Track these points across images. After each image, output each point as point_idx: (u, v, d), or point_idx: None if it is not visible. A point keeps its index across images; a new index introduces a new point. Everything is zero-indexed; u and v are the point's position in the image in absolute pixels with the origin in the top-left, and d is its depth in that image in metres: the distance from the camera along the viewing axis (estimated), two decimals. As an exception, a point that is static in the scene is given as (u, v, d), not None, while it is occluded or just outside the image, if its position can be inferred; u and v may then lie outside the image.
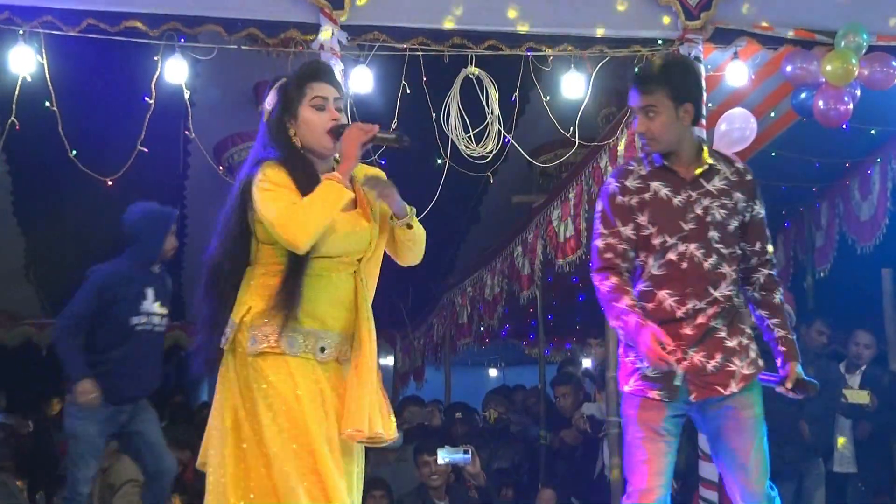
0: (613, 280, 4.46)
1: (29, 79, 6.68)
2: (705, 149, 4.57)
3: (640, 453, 4.41)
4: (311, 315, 3.74)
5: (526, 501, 9.04)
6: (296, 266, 3.71)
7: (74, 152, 6.90)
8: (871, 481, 8.60)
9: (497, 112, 7.19)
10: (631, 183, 4.53)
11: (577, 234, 9.14)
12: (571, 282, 11.02)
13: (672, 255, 4.43)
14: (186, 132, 7.61)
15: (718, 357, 4.39)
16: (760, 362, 4.49)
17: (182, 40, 6.88)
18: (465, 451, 7.99)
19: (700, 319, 4.40)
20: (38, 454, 10.09)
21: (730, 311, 4.46)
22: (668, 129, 4.46)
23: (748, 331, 4.52)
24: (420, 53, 7.04)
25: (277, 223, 3.62)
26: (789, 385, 4.43)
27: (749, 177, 4.57)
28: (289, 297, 3.69)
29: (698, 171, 4.50)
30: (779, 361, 4.50)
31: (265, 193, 3.69)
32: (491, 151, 7.22)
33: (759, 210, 4.57)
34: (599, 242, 4.55)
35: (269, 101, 3.92)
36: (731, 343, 4.42)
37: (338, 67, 6.97)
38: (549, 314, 11.75)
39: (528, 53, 7.20)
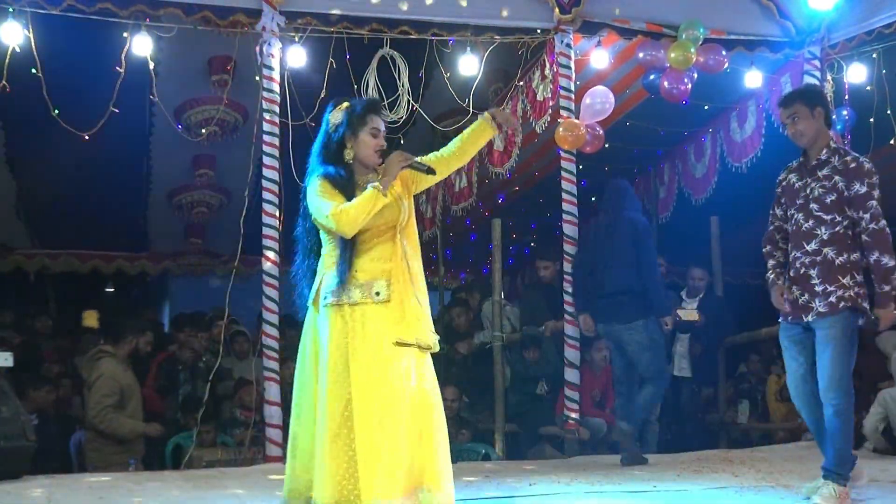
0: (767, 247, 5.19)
1: (18, 49, 6.55)
2: (828, 146, 4.98)
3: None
4: (363, 270, 4.09)
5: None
6: (347, 241, 4.10)
7: (56, 111, 6.77)
8: (701, 382, 8.84)
9: (407, 85, 7.19)
10: (781, 175, 5.17)
11: (469, 185, 9.19)
12: (465, 224, 11.09)
13: (791, 222, 5.04)
14: (151, 96, 7.50)
15: (807, 295, 4.89)
16: (841, 305, 4.81)
17: (147, 20, 6.77)
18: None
19: (798, 264, 4.94)
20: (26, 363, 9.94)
21: (825, 263, 4.87)
22: (808, 126, 4.96)
23: (844, 281, 4.83)
24: (345, 36, 6.99)
25: (328, 218, 4.04)
26: (863, 324, 4.93)
27: (852, 165, 4.90)
28: (344, 264, 4.08)
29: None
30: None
31: (318, 199, 4.10)
32: (402, 118, 7.23)
33: (860, 188, 4.86)
34: None
35: (335, 117, 4.23)
36: (820, 288, 4.86)
37: (276, 46, 6.90)
38: (448, 250, 11.80)
39: (433, 38, 7.19)
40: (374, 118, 4.23)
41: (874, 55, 7.49)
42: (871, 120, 7.63)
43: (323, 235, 4.21)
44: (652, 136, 9.38)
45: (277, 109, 6.89)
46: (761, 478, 5.48)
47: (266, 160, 6.87)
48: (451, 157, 4.39)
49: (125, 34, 6.73)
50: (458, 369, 9.36)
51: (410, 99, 7.19)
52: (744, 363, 9.66)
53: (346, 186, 4.13)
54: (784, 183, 5.09)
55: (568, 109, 7.40)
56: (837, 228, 4.86)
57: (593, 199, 10.93)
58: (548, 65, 7.50)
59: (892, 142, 7.65)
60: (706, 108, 8.66)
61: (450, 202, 9.49)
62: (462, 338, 9.36)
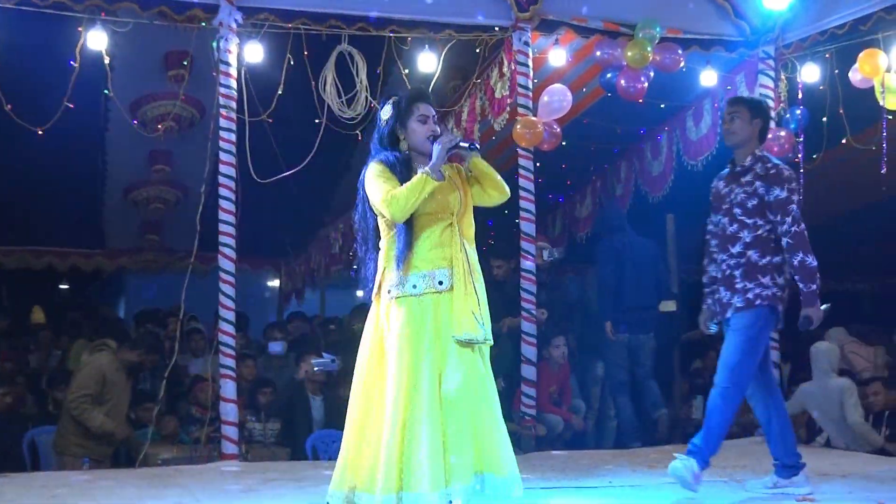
0: None
1: (-31, 44, 6.45)
2: (750, 156, 5.25)
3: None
4: (424, 260, 4.22)
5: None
6: (406, 226, 4.23)
7: (10, 106, 6.69)
8: (657, 379, 8.91)
9: (365, 82, 7.18)
10: (714, 183, 5.43)
11: (428, 183, 9.18)
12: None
13: (713, 226, 5.37)
14: (106, 91, 7.43)
15: (728, 294, 5.16)
16: (757, 302, 5.06)
17: (103, 14, 6.70)
18: (333, 360, 8.00)
19: (724, 266, 5.20)
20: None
21: (747, 264, 5.11)
22: (743, 129, 5.24)
23: (762, 280, 5.07)
24: (302, 32, 6.97)
25: (382, 202, 4.17)
26: (799, 326, 5.13)
27: (772, 171, 5.14)
28: (403, 253, 4.22)
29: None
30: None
31: (373, 184, 4.23)
32: (360, 114, 7.21)
33: (779, 193, 5.09)
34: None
35: (385, 112, 4.38)
36: (740, 285, 5.11)
37: (233, 42, 6.87)
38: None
39: (391, 35, 7.19)
40: (421, 105, 4.37)
41: (827, 55, 7.57)
42: (825, 119, 7.72)
43: (381, 224, 4.33)
44: (609, 134, 9.44)
45: (234, 105, 6.86)
46: (714, 472, 5.54)
47: (223, 156, 6.83)
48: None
49: (80, 28, 6.65)
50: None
51: (368, 95, 7.18)
52: (700, 359, 9.75)
53: (402, 171, 4.28)
54: (714, 190, 5.35)
55: (525, 107, 7.43)
56: (760, 232, 5.11)
57: (550, 196, 11.01)
58: (506, 62, 7.53)
59: (843, 141, 7.75)
60: (662, 106, 8.72)
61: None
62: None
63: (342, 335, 10.44)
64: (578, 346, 8.64)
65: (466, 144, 4.31)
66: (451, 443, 4.04)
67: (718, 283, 5.22)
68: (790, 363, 8.70)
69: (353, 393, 4.33)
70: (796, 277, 5.05)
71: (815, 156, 7.91)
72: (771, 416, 5.18)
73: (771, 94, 7.78)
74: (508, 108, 7.55)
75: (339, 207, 11.85)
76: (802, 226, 5.07)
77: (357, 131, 7.18)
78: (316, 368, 7.88)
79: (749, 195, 5.12)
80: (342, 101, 7.13)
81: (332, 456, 7.48)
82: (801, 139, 7.80)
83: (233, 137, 6.86)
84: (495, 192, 4.43)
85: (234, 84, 6.86)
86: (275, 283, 15.62)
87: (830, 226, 11.07)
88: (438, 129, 4.37)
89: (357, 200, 4.41)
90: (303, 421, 7.76)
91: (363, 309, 11.56)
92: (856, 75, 7.28)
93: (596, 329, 8.25)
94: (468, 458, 4.06)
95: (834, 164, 8.36)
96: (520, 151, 7.46)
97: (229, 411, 6.70)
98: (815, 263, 5.02)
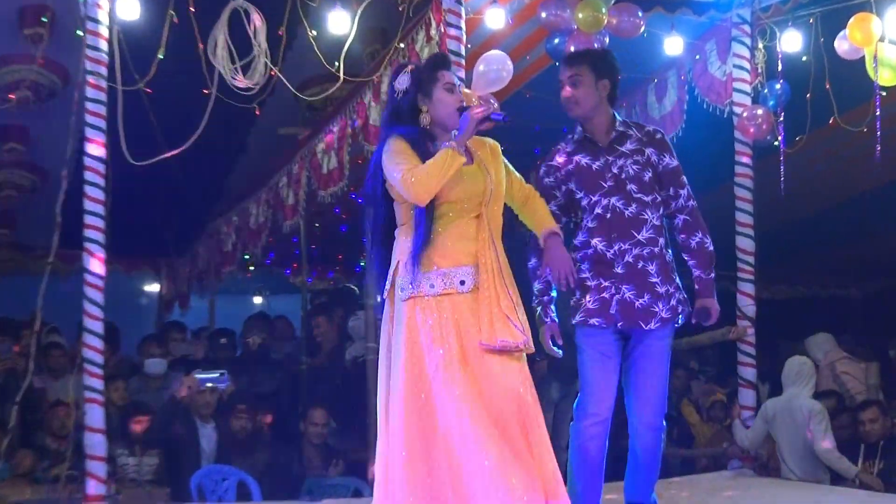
0: None
1: None
2: (617, 119, 5.19)
3: (592, 373, 5.04)
4: (444, 256, 4.33)
5: (286, 423, 9.06)
6: (425, 215, 4.32)
7: None
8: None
9: (264, 45, 7.11)
10: (558, 159, 5.24)
11: (339, 167, 9.14)
12: (334, 213, 11.05)
13: (598, 209, 5.05)
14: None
15: (647, 297, 4.98)
16: (679, 309, 5.07)
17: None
18: (221, 374, 7.96)
19: (628, 258, 4.99)
20: None
21: (660, 258, 5.03)
22: (588, 96, 5.12)
23: (677, 281, 5.10)
24: (188, -17, 6.90)
25: (402, 182, 4.25)
26: (693, 319, 5.17)
27: (658, 136, 5.18)
28: (423, 246, 4.31)
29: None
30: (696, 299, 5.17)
31: (390, 161, 4.34)
32: (257, 83, 7.14)
33: (670, 161, 5.13)
34: None
35: (402, 82, 4.49)
36: (661, 289, 5.00)
37: (104, -6, 6.77)
38: (313, 244, 11.75)
39: (296, -12, 7.15)
40: (446, 73, 4.52)
41: (811, 20, 7.69)
42: (808, 96, 7.84)
43: (399, 211, 4.46)
44: (556, 111, 9.43)
45: (105, 72, 6.77)
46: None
47: (90, 133, 6.73)
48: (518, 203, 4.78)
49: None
50: (326, 389, 9.34)
51: (268, 62, 7.11)
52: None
53: (426, 149, 4.39)
54: (570, 167, 5.17)
55: (458, 77, 7.41)
56: (661, 210, 5.10)
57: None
58: (434, 24, 7.51)
59: (830, 122, 7.88)
60: (620, 77, 8.77)
61: (316, 186, 9.43)
62: (330, 351, 9.34)
63: (235, 351, 10.38)
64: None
65: (500, 117, 4.43)
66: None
67: (616, 277, 5.02)
68: (768, 383, 8.85)
69: (398, 416, 4.32)
70: (692, 262, 5.12)
71: (797, 138, 8.03)
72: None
73: (746, 65, 7.89)
74: (437, 79, 7.53)
75: (234, 196, 11.77)
76: (695, 200, 5.16)
77: (254, 104, 7.12)
78: (202, 385, 7.82)
79: (643, 166, 5.07)
80: (236, 69, 7.06)
81: (222, 497, 7.44)
82: (782, 119, 7.92)
83: (102, 110, 6.77)
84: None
85: (104, 46, 6.76)
86: (153, 287, 15.43)
87: (814, 221, 11.33)
88: (464, 101, 4.50)
89: (366, 176, 4.55)
90: (188, 454, 7.69)
91: (260, 320, 11.58)
92: (844, 44, 7.40)
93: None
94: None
95: (819, 148, 8.51)
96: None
97: (95, 443, 6.60)
98: (712, 247, 5.12)
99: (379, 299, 4.54)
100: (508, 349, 4.27)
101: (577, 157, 5.14)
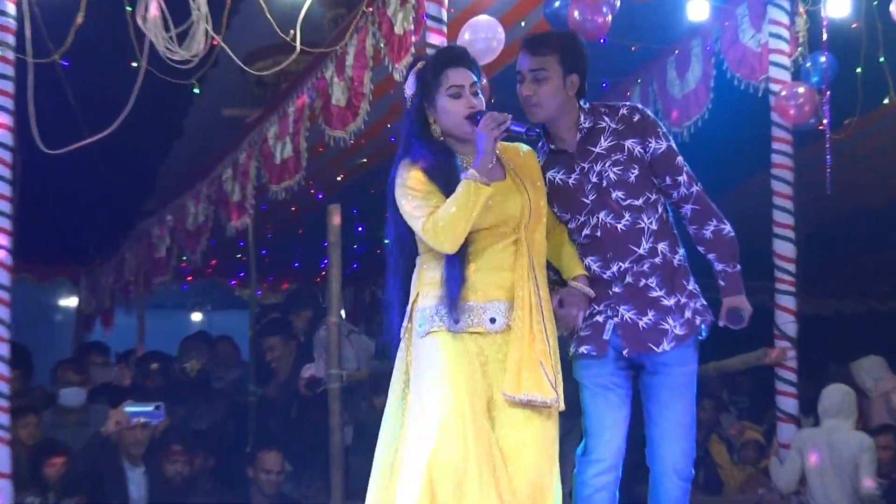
0: None
1: None
2: (581, 115, 5.02)
3: (594, 410, 4.98)
4: (473, 289, 4.39)
5: (231, 466, 9.04)
6: (458, 254, 4.37)
7: None
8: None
9: (205, 9, 7.10)
10: None
11: (296, 156, 9.15)
12: (289, 211, 11.05)
13: (587, 230, 4.96)
14: None
15: (651, 314, 4.92)
16: (698, 321, 4.98)
17: None
18: (157, 407, 7.95)
19: (628, 279, 4.94)
20: None
21: (664, 268, 4.97)
22: (553, 96, 4.92)
23: (690, 287, 5.03)
24: (112, -65, 6.91)
25: (424, 233, 4.34)
26: (721, 321, 5.03)
27: (637, 117, 5.01)
28: (451, 280, 4.37)
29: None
30: (721, 296, 5.08)
31: (406, 201, 4.41)
32: (197, 55, 7.15)
33: (658, 145, 4.99)
34: None
35: (409, 86, 4.58)
36: (669, 302, 4.94)
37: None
38: (263, 249, 11.75)
39: (243, -59, 7.17)
40: (453, 72, 4.52)
41: (863, -21, 7.76)
42: (859, 71, 7.88)
43: (420, 245, 4.53)
44: (557, 89, 9.50)
45: (13, 41, 6.79)
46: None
47: (-7, 114, 6.75)
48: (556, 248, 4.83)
49: None
50: (279, 424, 9.33)
51: (210, 30, 7.12)
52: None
53: (446, 171, 4.42)
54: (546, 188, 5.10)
55: (473, 73, 7.41)
56: (660, 211, 5.03)
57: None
58: (410, -17, 7.55)
59: (885, 101, 7.92)
60: (633, 49, 8.81)
61: (267, 180, 9.44)
62: (284, 378, 9.33)
63: (170, 379, 10.35)
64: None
65: (522, 129, 4.44)
66: None
67: (605, 301, 4.97)
68: (812, 416, 8.89)
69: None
70: (711, 255, 5.04)
71: (846, 121, 8.07)
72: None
73: (785, 33, 7.91)
74: (414, 50, 7.55)
75: (168, 191, 11.76)
76: (699, 184, 5.08)
77: (193, 80, 7.12)
78: (133, 419, 7.81)
79: (625, 165, 4.95)
80: (171, 37, 7.06)
81: (155, 554, 7.43)
82: (827, 98, 7.96)
83: (9, 87, 6.79)
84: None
85: (11, 10, 6.77)
86: (71, 301, 15.41)
87: (867, 220, 11.37)
88: (481, 102, 4.50)
89: (391, 216, 4.58)
90: (114, 501, 7.69)
91: (200, 341, 11.56)
92: (903, 8, 7.44)
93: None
94: None
95: (872, 133, 8.56)
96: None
97: (1, 489, 6.61)
98: (733, 232, 5.04)
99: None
100: (534, 403, 4.32)
101: (549, 175, 5.00)
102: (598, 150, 4.95)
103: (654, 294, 4.95)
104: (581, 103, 5.02)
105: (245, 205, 10.09)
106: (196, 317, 19.24)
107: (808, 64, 7.95)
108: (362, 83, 7.99)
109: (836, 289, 14.53)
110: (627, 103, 5.20)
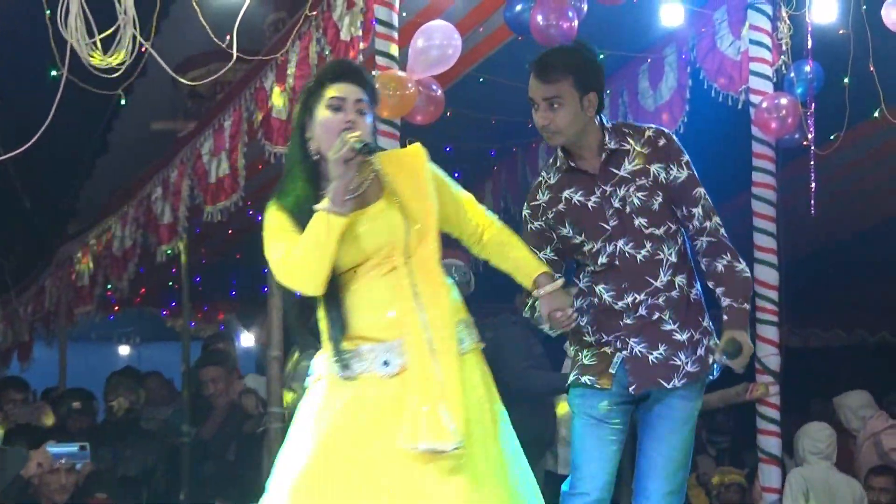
0: None
1: None
2: (606, 133, 5.10)
3: (582, 442, 5.11)
4: (360, 331, 4.30)
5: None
6: (329, 296, 4.32)
7: None
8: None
9: (132, 12, 7.08)
10: (542, 197, 5.17)
11: (233, 174, 9.13)
12: (226, 234, 11.01)
13: (603, 258, 5.06)
14: None
15: (662, 349, 5.02)
16: (710, 360, 5.11)
17: None
18: (82, 447, 7.88)
19: (641, 311, 5.03)
20: None
21: (680, 302, 5.07)
22: (572, 120, 4.98)
23: (704, 324, 5.15)
24: (30, -70, 6.88)
25: (279, 277, 4.32)
26: (718, 356, 5.10)
27: (662, 141, 5.10)
28: (332, 326, 4.33)
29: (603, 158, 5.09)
30: (723, 329, 5.14)
31: (266, 243, 4.39)
32: (123, 63, 7.11)
33: (679, 173, 5.08)
34: None
35: (300, 99, 4.52)
36: (682, 337, 5.04)
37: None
38: (197, 276, 11.70)
39: (174, -62, 7.15)
40: (337, 85, 4.39)
41: (850, -18, 7.79)
42: (846, 81, 7.91)
43: None
44: (519, 100, 9.49)
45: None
46: None
47: None
48: (483, 242, 4.74)
49: None
50: (216, 470, 9.29)
51: (138, 35, 7.09)
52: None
53: (304, 207, 4.30)
54: (559, 207, 5.16)
55: (388, 56, 7.43)
56: (680, 243, 5.13)
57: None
58: (357, -15, 7.54)
59: (875, 115, 7.94)
60: (601, 57, 8.81)
61: (201, 200, 9.40)
62: (222, 416, 9.28)
63: (95, 419, 10.29)
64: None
65: (358, 146, 4.26)
66: None
67: (615, 332, 5.09)
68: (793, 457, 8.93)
69: None
70: (719, 289, 5.10)
71: (832, 136, 8.10)
72: None
73: (767, 40, 7.94)
74: (362, 58, 7.54)
75: (92, 212, 11.70)
76: (718, 217, 5.17)
77: (118, 91, 7.09)
78: (56, 462, 7.75)
79: (650, 191, 5.05)
80: (94, 44, 7.03)
81: None
82: (812, 110, 7.98)
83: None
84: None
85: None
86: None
87: (855, 244, 11.42)
88: (367, 125, 4.37)
89: None
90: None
91: (128, 377, 11.49)
92: (894, 13, 7.47)
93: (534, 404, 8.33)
94: None
95: (860, 149, 8.60)
96: (379, 125, 7.45)
97: None
98: (748, 271, 5.15)
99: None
100: (436, 452, 4.15)
101: (566, 194, 5.11)
102: (622, 173, 5.05)
103: (667, 328, 5.05)
104: (604, 121, 5.11)
105: (177, 227, 10.05)
106: (123, 350, 19.17)
107: (792, 74, 7.98)
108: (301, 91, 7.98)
109: (821, 319, 14.59)
110: (653, 126, 5.22)
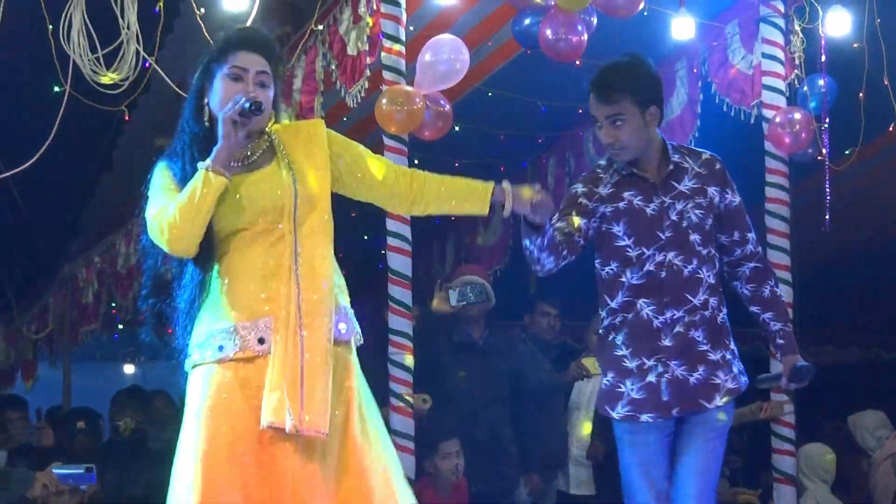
0: None
1: None
2: (669, 147, 5.29)
3: (631, 482, 5.24)
4: (234, 306, 4.14)
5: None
6: (200, 257, 4.18)
7: None
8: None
9: (135, 28, 7.07)
10: (603, 190, 5.24)
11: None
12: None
13: (650, 266, 5.14)
14: None
15: (701, 370, 5.14)
16: (744, 378, 5.26)
17: None
18: (88, 469, 7.86)
19: (679, 328, 5.13)
20: None
21: (711, 323, 5.18)
22: (636, 136, 5.14)
23: (732, 346, 5.28)
24: (33, -56, 6.87)
25: (151, 233, 4.18)
26: (784, 380, 5.29)
27: (718, 165, 5.32)
28: (196, 298, 4.20)
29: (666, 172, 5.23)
30: (778, 356, 5.39)
31: (149, 201, 4.27)
32: (127, 79, 7.10)
33: (733, 197, 5.30)
34: None
35: (197, 66, 4.40)
36: (715, 357, 5.17)
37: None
38: (203, 293, 11.68)
39: (179, -49, 7.14)
40: (243, 55, 4.30)
41: (864, -5, 7.77)
42: (861, 95, 7.88)
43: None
44: (529, 115, 9.49)
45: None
46: None
47: None
48: (415, 189, 4.53)
49: None
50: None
51: (141, 49, 7.08)
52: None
53: (190, 170, 4.21)
54: (620, 204, 5.23)
55: (396, 70, 7.42)
56: (717, 267, 5.27)
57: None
58: (363, 0, 7.52)
59: (890, 129, 7.91)
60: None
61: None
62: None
63: (100, 439, 10.27)
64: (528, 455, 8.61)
65: (248, 105, 4.16)
66: None
67: (656, 356, 5.16)
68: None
69: None
70: (767, 315, 5.30)
71: (847, 151, 8.07)
72: None
73: (780, 54, 7.92)
74: (369, 72, 7.53)
75: (95, 230, 11.69)
76: None
77: (122, 107, 7.07)
78: (62, 483, 7.73)
79: (706, 210, 5.22)
80: (98, 59, 7.01)
81: None
82: (826, 125, 7.95)
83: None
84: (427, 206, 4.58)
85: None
86: (-12, 353, 15.29)
87: (871, 259, 11.38)
88: (267, 98, 4.28)
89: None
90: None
91: (133, 397, 11.45)
92: (909, 26, 7.46)
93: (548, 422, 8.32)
94: None
95: (875, 164, 8.55)
96: (386, 141, 7.44)
97: None
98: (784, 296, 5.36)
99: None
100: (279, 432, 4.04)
101: (626, 196, 5.21)
102: (681, 187, 5.21)
103: (702, 348, 5.16)
104: (664, 138, 5.28)
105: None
106: (129, 369, 19.13)
107: (805, 88, 7.96)
108: (312, 109, 7.97)
109: (837, 335, 14.56)
110: (708, 151, 5.38)
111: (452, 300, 7.96)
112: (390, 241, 7.39)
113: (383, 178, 4.50)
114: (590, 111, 5.24)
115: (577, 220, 5.01)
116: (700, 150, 5.39)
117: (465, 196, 4.55)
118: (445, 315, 7.97)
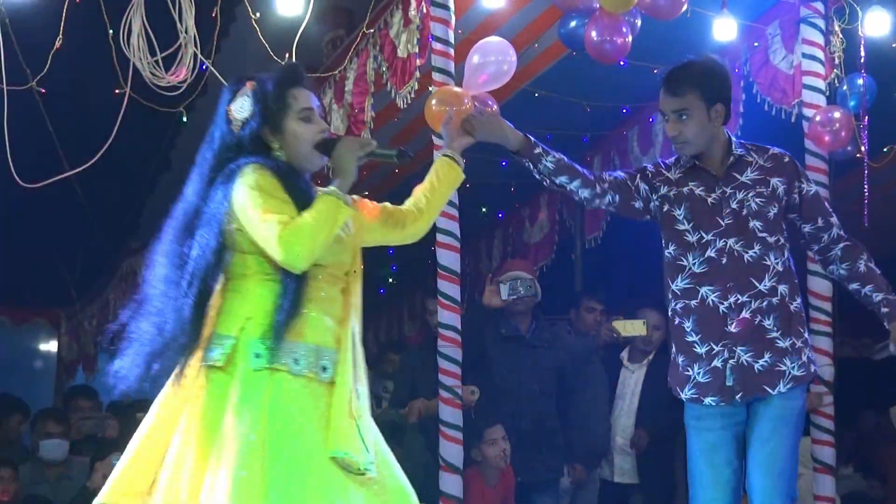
0: None
1: None
2: (733, 141, 5.39)
3: (696, 467, 5.30)
4: (313, 327, 4.11)
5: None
6: (295, 276, 4.07)
7: None
8: (654, 493, 8.90)
9: (193, 32, 7.11)
10: (670, 174, 5.41)
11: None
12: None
13: (712, 252, 5.23)
14: None
15: (768, 356, 5.17)
16: (813, 368, 5.30)
17: None
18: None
19: (745, 313, 5.17)
20: None
21: (781, 310, 5.21)
22: (700, 131, 5.24)
23: (805, 335, 5.32)
24: (94, -46, 6.92)
25: (279, 241, 3.98)
26: (893, 345, 5.40)
27: (786, 159, 5.40)
28: (292, 309, 4.06)
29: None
30: (885, 323, 5.43)
31: (255, 203, 4.04)
32: (185, 81, 7.14)
33: (808, 187, 5.38)
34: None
35: (239, 109, 4.28)
36: (784, 343, 5.20)
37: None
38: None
39: (235, -42, 7.17)
40: (299, 93, 4.29)
41: (905, -5, 7.75)
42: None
43: (241, 265, 4.18)
44: (574, 115, 9.48)
45: (-14, 67, 6.78)
46: None
47: (-33, 148, 6.74)
48: (413, 214, 4.67)
49: None
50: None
51: (198, 53, 7.12)
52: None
53: (303, 188, 4.20)
54: (684, 190, 5.36)
55: (445, 72, 7.42)
56: (786, 256, 5.29)
57: (483, 209, 11.02)
58: (413, 4, 7.53)
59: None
60: (655, 72, 8.76)
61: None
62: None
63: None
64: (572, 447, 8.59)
65: (393, 153, 4.27)
66: None
67: (723, 341, 5.21)
68: (852, 466, 8.84)
69: None
70: (867, 288, 5.36)
71: (885, 148, 8.04)
72: None
73: (820, 54, 7.89)
74: (418, 74, 7.54)
75: (155, 227, 11.74)
76: None
77: (180, 108, 7.11)
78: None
79: (768, 200, 5.28)
80: (157, 62, 7.06)
81: None
82: (866, 123, 7.93)
83: (-17, 118, 6.76)
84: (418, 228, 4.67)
85: (-17, 34, 6.76)
86: (51, 346, 15.39)
87: (892, 256, 11.32)
88: (328, 126, 4.38)
89: (202, 230, 4.29)
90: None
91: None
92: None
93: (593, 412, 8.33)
94: None
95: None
96: (436, 141, 7.45)
97: (-25, 552, 6.58)
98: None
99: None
100: (348, 467, 4.03)
101: (688, 186, 5.34)
102: (743, 178, 5.30)
103: (771, 335, 5.19)
104: (730, 134, 5.36)
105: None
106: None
107: (845, 87, 7.93)
108: (363, 110, 7.99)
109: (875, 329, 14.46)
110: (776, 147, 5.44)
111: (503, 294, 7.97)
112: (440, 237, 7.39)
113: (395, 217, 4.69)
114: (659, 105, 5.34)
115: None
116: (769, 146, 5.44)
117: (441, 181, 4.74)
118: (493, 309, 7.98)
